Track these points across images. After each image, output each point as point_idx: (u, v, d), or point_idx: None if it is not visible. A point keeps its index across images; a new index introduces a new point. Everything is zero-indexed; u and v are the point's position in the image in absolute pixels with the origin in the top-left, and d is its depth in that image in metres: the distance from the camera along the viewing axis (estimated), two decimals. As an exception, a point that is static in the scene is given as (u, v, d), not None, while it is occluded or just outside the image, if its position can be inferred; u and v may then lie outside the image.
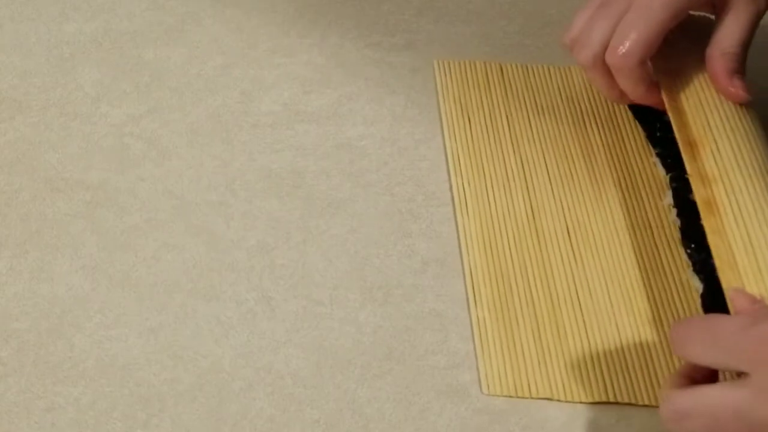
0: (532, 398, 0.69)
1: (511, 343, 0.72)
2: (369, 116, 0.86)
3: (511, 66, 0.90)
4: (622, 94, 0.80)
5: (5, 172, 0.80)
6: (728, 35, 0.78)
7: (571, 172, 0.82)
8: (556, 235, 0.78)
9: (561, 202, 0.80)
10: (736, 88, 0.77)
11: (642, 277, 0.75)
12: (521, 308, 0.73)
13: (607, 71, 0.79)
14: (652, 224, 0.78)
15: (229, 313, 0.72)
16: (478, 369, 0.70)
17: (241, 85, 0.88)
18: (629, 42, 0.77)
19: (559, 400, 0.69)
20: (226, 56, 0.90)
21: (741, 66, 0.78)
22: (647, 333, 0.72)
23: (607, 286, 0.74)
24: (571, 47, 0.81)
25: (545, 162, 0.83)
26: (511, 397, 0.69)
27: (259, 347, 0.71)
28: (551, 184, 0.81)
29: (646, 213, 0.79)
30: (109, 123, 0.84)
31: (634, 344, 0.71)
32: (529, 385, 0.70)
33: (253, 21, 0.93)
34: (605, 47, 0.78)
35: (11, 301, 0.72)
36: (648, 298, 0.74)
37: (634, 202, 0.80)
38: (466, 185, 0.81)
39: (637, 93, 0.79)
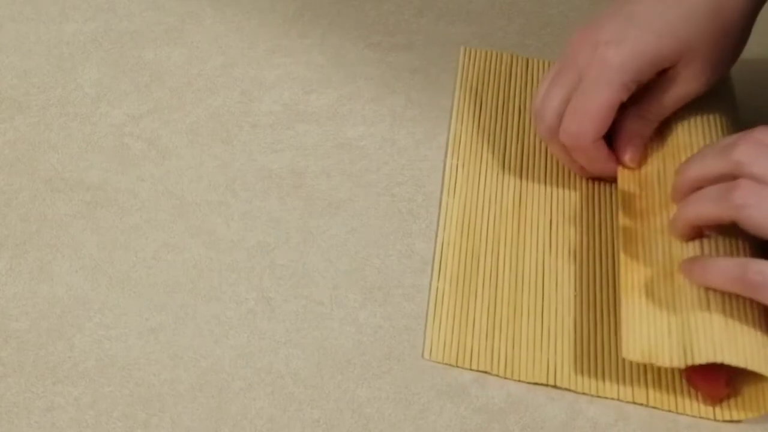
0: (470, 370, 0.69)
1: (464, 314, 0.72)
2: (369, 116, 0.86)
3: (537, 61, 0.90)
4: (583, 167, 0.79)
5: (5, 172, 0.80)
6: (658, 104, 0.78)
7: (568, 168, 0.82)
8: (538, 225, 0.78)
9: (551, 196, 0.80)
10: (627, 154, 0.78)
11: (614, 277, 0.75)
12: (482, 284, 0.74)
13: (564, 145, 0.78)
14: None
15: (229, 313, 0.72)
16: (424, 335, 0.71)
17: (241, 85, 0.88)
18: (579, 122, 0.76)
19: (497, 375, 0.69)
20: (226, 56, 0.90)
21: (648, 134, 0.78)
22: (604, 329, 0.72)
23: (575, 279, 0.75)
24: (534, 118, 0.79)
25: (545, 155, 0.83)
26: (450, 365, 0.69)
27: (259, 347, 0.71)
28: (546, 177, 0.81)
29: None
30: (109, 123, 0.84)
31: (588, 337, 0.72)
32: (471, 356, 0.70)
33: (253, 21, 0.93)
34: (559, 120, 0.77)
35: (11, 301, 0.72)
36: (615, 298, 0.74)
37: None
38: (459, 166, 0.81)
39: (595, 168, 0.79)
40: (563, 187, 0.80)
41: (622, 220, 0.75)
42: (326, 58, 0.90)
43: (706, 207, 0.69)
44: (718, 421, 0.68)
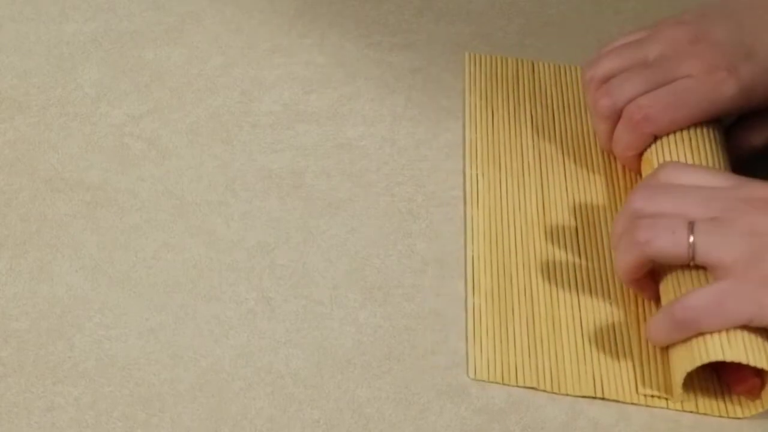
0: (517, 386, 0.69)
1: (503, 332, 0.72)
2: (369, 116, 0.86)
3: (543, 64, 0.90)
4: (609, 141, 0.80)
5: (5, 172, 0.80)
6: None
7: (588, 172, 0.81)
8: (565, 232, 0.78)
9: (574, 201, 0.80)
10: None
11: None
12: (518, 298, 0.74)
13: (616, 118, 0.78)
14: None
15: (229, 313, 0.72)
16: (467, 354, 0.70)
17: (241, 85, 0.88)
18: (661, 108, 0.77)
19: (544, 391, 0.69)
20: (226, 56, 0.90)
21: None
22: (643, 336, 0.72)
23: (608, 287, 0.74)
24: (594, 87, 0.80)
25: (563, 160, 0.82)
26: (497, 383, 0.69)
27: (259, 347, 0.71)
28: (566, 183, 0.81)
29: None
30: (109, 123, 0.84)
31: (629, 344, 0.71)
32: (516, 373, 0.70)
33: (253, 21, 0.93)
34: (629, 102, 0.78)
35: (11, 301, 0.72)
36: (650, 303, 0.73)
37: None
38: (480, 176, 0.81)
39: (627, 151, 0.79)
40: (584, 192, 0.80)
41: None
42: (326, 58, 0.90)
43: (624, 258, 0.71)
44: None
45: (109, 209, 0.78)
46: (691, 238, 0.68)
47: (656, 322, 0.69)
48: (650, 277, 0.72)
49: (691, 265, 0.69)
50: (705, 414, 0.69)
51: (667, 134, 0.77)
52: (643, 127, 0.77)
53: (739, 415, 0.68)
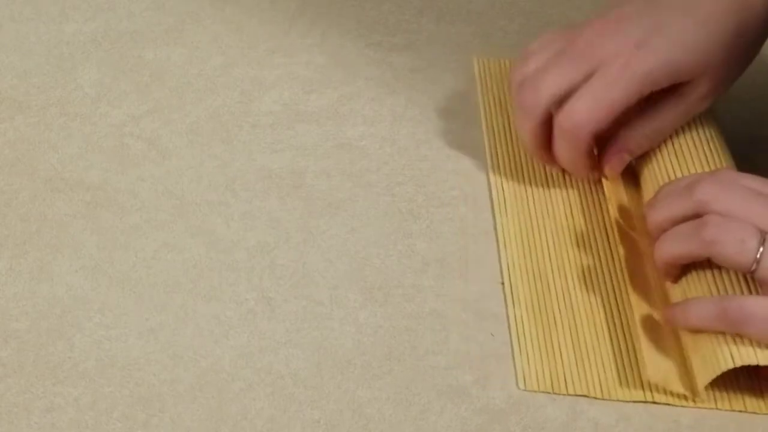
0: (568, 395, 0.69)
1: (548, 341, 0.71)
2: (369, 116, 0.86)
3: None
4: (550, 158, 0.79)
5: (5, 172, 0.80)
6: (662, 120, 0.78)
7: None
8: (595, 234, 0.77)
9: (601, 202, 0.79)
10: (610, 165, 0.78)
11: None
12: (558, 307, 0.73)
13: (547, 127, 0.77)
14: None
15: (229, 313, 0.72)
16: (514, 365, 0.70)
17: (241, 85, 0.88)
18: (588, 112, 0.75)
19: (595, 398, 0.69)
20: (226, 56, 0.90)
21: (639, 151, 0.78)
22: (684, 338, 0.71)
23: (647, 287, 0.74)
24: (518, 86, 0.78)
25: None
26: (548, 393, 0.69)
27: (259, 347, 0.71)
28: (590, 184, 0.80)
29: None
30: (109, 123, 0.84)
31: (672, 348, 0.71)
32: (566, 381, 0.70)
33: (253, 21, 0.93)
34: (555, 101, 0.76)
35: (11, 301, 0.72)
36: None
37: None
38: (504, 184, 0.81)
39: (574, 164, 0.78)
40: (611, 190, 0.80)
41: (622, 248, 0.76)
42: (326, 58, 0.90)
43: (679, 246, 0.70)
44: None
45: (109, 209, 0.78)
46: (761, 250, 0.67)
47: (701, 307, 0.68)
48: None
49: (747, 275, 0.68)
50: (732, 411, 0.69)
51: (612, 121, 0.76)
52: (581, 131, 0.76)
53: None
